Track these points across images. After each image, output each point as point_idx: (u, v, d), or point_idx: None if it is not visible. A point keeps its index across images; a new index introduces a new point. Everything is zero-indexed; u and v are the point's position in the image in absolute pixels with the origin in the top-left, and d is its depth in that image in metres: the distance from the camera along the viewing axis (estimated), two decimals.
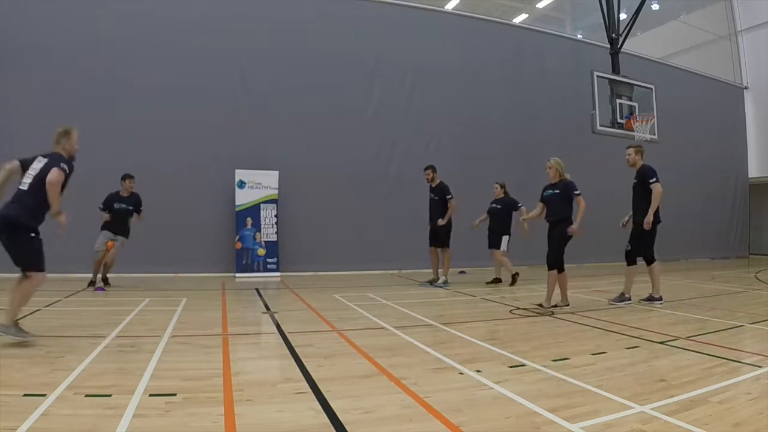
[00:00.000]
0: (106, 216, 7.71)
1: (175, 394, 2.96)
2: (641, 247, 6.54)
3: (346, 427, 2.55)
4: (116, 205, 7.73)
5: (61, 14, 9.46)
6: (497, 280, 9.03)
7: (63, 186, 4.23)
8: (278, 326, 5.15)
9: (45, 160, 4.24)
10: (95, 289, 7.52)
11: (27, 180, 4.18)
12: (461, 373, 3.50)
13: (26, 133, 8.89)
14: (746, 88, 17.79)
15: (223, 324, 5.30)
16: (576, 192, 6.18)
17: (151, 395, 2.95)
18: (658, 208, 6.29)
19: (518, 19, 17.92)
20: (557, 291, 6.27)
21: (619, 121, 11.72)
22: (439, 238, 8.51)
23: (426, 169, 8.65)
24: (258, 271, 10.06)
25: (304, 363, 3.72)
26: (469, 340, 4.56)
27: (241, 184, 10.17)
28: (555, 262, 6.17)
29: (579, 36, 16.69)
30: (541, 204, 6.50)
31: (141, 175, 8.05)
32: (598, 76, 11.56)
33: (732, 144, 17.32)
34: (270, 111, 10.54)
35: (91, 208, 7.69)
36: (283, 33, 10.76)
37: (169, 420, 2.62)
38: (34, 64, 9.14)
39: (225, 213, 10.20)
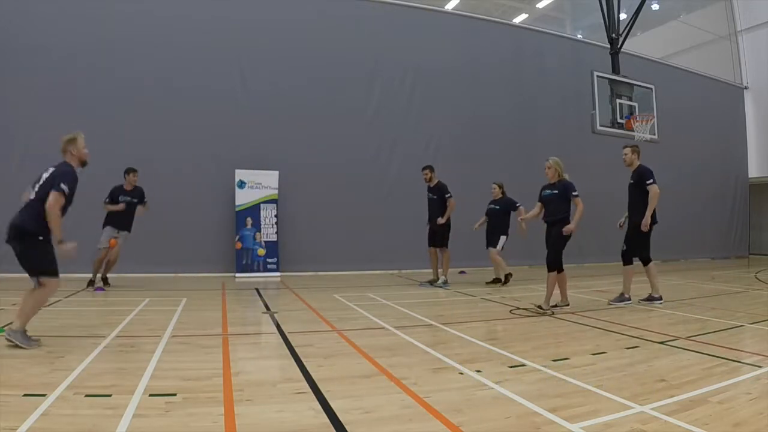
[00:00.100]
0: (111, 207, 7.64)
1: (175, 394, 2.97)
2: (636, 247, 6.54)
3: (346, 427, 2.56)
4: (121, 198, 7.71)
5: (61, 14, 9.46)
6: (497, 280, 9.02)
7: (69, 202, 4.15)
8: (278, 326, 5.15)
9: (52, 170, 4.21)
10: (95, 289, 7.51)
11: (35, 189, 4.17)
12: (461, 373, 3.51)
13: (26, 133, 8.96)
14: (746, 88, 17.77)
15: (223, 324, 5.30)
16: (574, 193, 6.11)
17: (151, 395, 2.95)
18: (654, 209, 6.30)
19: (518, 19, 17.90)
20: (556, 292, 6.26)
21: (619, 121, 11.71)
22: (438, 238, 8.52)
23: (424, 169, 8.66)
24: (258, 271, 10.06)
25: (304, 363, 3.72)
26: (469, 340, 4.57)
27: (241, 184, 10.17)
28: (554, 263, 6.14)
29: (579, 36, 16.67)
30: (539, 204, 6.47)
31: (141, 175, 8.02)
32: (598, 76, 11.55)
33: (732, 144, 17.31)
34: (270, 111, 10.54)
35: (90, 208, 7.61)
36: (283, 33, 10.75)
37: (169, 420, 2.62)
38: (34, 64, 9.13)
39: (225, 213, 10.19)
